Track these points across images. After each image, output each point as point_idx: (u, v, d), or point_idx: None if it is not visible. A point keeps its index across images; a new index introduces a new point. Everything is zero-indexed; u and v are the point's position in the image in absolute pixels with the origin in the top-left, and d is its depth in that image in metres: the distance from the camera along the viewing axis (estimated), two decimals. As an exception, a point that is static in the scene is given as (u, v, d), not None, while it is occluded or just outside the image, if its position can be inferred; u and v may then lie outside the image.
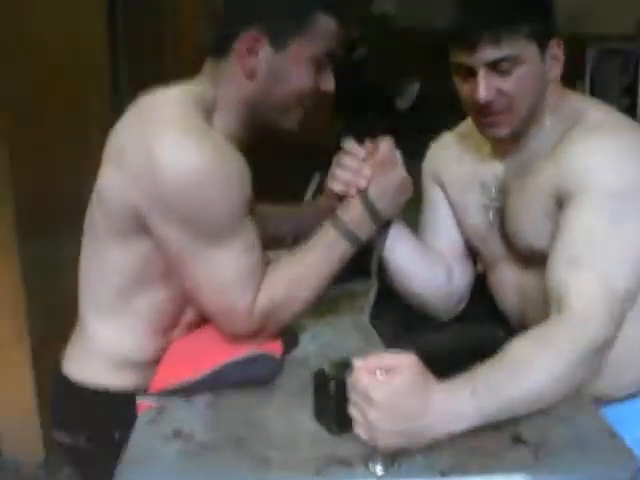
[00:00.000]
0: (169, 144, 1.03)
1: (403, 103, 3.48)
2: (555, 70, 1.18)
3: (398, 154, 1.22)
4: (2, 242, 2.18)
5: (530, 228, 1.21)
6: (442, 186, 1.40)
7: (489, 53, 1.12)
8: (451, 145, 1.40)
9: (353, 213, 1.18)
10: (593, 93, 4.56)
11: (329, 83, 1.18)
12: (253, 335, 1.15)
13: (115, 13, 2.76)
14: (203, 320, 1.21)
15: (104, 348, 1.22)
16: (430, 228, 1.41)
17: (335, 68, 1.19)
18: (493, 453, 0.93)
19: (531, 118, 1.20)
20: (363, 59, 3.73)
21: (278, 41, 1.12)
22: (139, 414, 1.08)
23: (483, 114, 1.18)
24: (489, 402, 0.92)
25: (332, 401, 0.96)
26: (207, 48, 1.18)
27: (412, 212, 1.37)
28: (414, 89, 3.45)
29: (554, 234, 1.13)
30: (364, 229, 1.19)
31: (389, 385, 0.89)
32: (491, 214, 1.30)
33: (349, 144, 1.21)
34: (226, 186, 1.06)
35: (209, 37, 1.18)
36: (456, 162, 1.37)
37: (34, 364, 2.29)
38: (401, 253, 1.30)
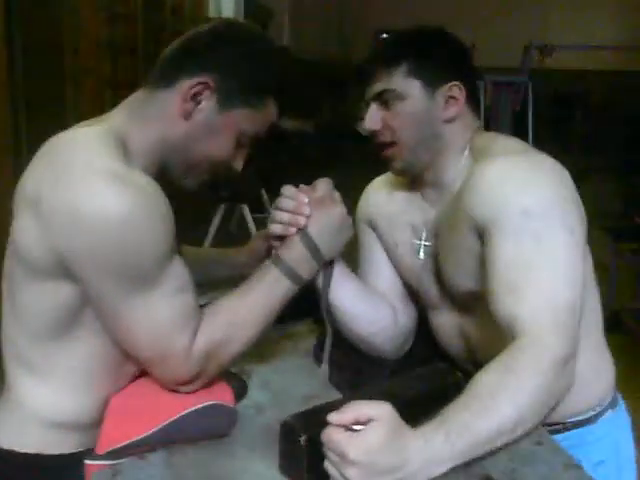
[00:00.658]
0: (90, 193, 1.00)
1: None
2: (451, 110, 1.24)
3: (337, 193, 1.22)
4: None
5: (459, 270, 1.23)
6: (375, 228, 1.42)
7: (375, 87, 1.24)
8: (382, 187, 1.43)
9: (294, 251, 1.17)
10: (488, 121, 4.79)
11: (240, 163, 1.19)
12: (192, 379, 1.10)
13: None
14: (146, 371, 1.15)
15: (35, 409, 1.13)
16: (368, 270, 1.42)
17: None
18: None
19: (433, 155, 1.24)
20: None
21: (226, 102, 1.11)
22: (91, 477, 1.02)
23: (378, 148, 1.26)
24: (463, 442, 0.91)
25: (303, 456, 0.94)
26: (148, 77, 1.15)
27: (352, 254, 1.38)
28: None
29: (482, 270, 1.13)
30: (305, 267, 1.17)
31: (365, 442, 0.87)
32: (422, 254, 1.32)
33: (286, 188, 1.20)
34: (151, 231, 1.03)
35: (155, 66, 1.14)
36: (387, 203, 1.39)
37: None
38: (346, 295, 1.29)
